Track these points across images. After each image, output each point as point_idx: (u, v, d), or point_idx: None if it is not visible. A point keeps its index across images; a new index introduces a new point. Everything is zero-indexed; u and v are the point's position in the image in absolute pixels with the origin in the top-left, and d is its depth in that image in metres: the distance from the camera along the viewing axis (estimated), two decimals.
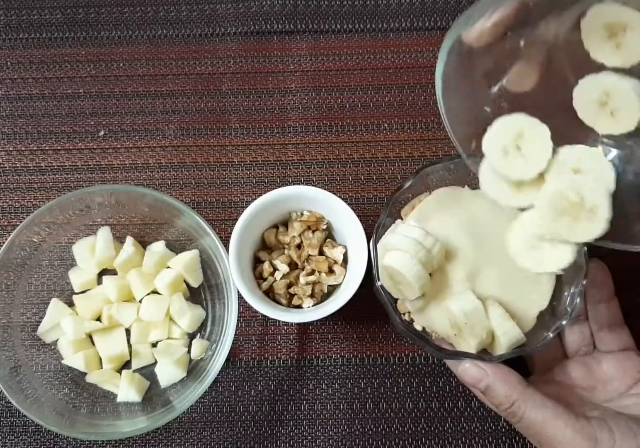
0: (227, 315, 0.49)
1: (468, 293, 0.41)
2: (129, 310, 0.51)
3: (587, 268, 0.41)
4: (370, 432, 0.51)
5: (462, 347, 0.42)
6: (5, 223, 0.55)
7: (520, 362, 0.47)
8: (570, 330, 0.46)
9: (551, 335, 0.41)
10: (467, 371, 0.41)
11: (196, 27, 0.59)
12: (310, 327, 0.53)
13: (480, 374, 0.41)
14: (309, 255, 0.48)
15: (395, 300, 0.43)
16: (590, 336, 0.46)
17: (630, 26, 0.36)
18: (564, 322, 0.41)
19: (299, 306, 0.48)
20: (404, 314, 0.44)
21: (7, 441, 0.51)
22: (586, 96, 0.37)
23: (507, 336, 0.41)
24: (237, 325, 0.48)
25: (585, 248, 0.41)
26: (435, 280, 0.43)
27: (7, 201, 0.55)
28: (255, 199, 0.46)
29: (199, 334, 0.52)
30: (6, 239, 0.49)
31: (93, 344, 0.52)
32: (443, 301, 0.42)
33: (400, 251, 0.41)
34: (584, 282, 0.41)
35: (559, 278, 0.43)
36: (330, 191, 0.46)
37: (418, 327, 0.43)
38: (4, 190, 0.56)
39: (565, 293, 0.42)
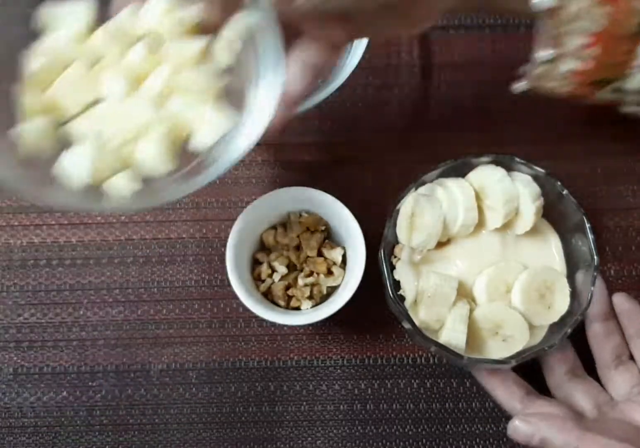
0: None
1: (454, 280, 0.42)
2: None
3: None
4: (370, 434, 0.51)
5: (411, 314, 0.43)
6: (3, 223, 0.55)
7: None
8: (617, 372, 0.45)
9: (557, 342, 0.41)
10: (517, 430, 0.40)
11: None
12: (310, 328, 0.53)
13: (532, 430, 0.39)
14: (308, 256, 0.48)
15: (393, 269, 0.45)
16: None
17: None
18: (569, 330, 0.41)
19: (298, 308, 0.48)
20: (394, 256, 0.45)
21: (4, 442, 0.51)
22: None
23: (450, 334, 0.42)
24: (236, 325, 0.48)
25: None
26: (441, 251, 0.45)
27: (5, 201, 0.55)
28: (254, 199, 0.46)
29: None
30: (4, 239, 0.48)
31: None
32: (430, 270, 0.44)
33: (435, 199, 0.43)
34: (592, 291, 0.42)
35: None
36: (330, 193, 0.46)
37: (395, 276, 0.45)
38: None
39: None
